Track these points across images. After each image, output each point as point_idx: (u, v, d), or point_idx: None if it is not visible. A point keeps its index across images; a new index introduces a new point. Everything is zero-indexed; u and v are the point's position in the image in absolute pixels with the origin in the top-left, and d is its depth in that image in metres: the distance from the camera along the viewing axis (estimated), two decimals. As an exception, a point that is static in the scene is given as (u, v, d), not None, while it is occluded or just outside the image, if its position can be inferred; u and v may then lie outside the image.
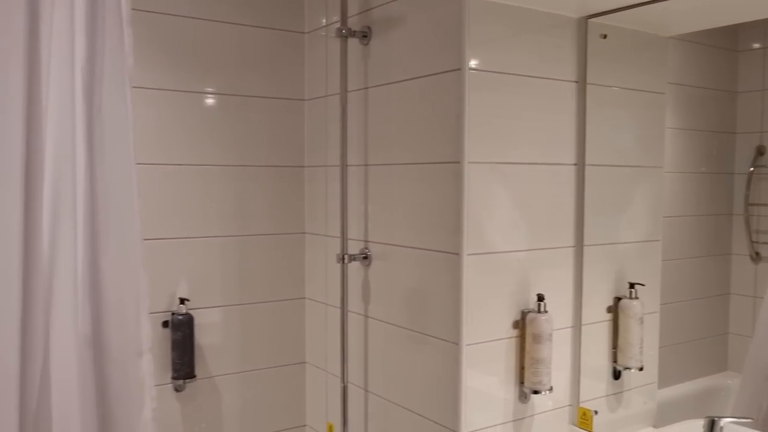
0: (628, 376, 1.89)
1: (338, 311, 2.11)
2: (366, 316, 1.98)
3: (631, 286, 1.88)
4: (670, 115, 1.93)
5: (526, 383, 1.71)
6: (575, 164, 1.82)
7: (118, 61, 1.42)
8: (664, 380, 1.91)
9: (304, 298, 2.31)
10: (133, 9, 1.56)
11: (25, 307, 1.33)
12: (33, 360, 1.35)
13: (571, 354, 1.84)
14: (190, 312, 2.05)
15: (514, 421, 1.73)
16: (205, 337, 2.12)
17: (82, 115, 1.37)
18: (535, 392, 1.69)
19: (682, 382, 1.93)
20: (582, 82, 1.81)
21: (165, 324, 2.04)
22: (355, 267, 2.02)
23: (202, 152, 2.09)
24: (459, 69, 1.60)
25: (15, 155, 1.32)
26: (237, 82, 2.14)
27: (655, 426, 1.90)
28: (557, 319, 1.78)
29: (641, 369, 1.86)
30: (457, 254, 1.63)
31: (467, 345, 1.63)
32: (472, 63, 1.60)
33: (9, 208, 1.31)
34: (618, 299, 1.88)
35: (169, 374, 2.05)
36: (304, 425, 2.34)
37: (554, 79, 1.76)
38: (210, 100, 2.10)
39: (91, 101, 1.39)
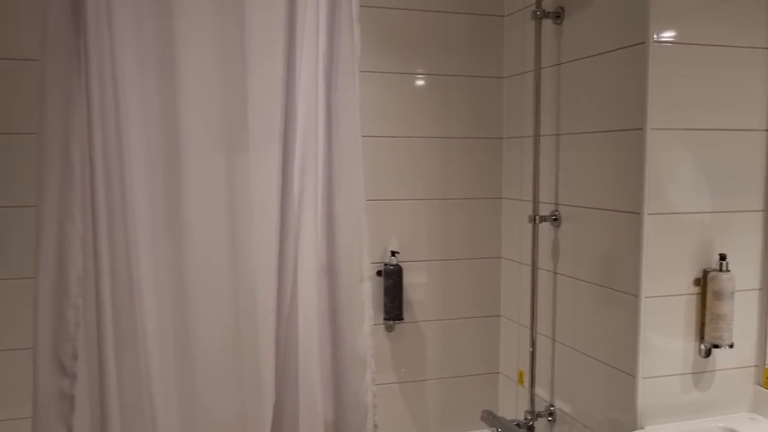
0: (825, 344, 1.88)
1: (530, 269, 2.32)
2: (555, 273, 2.17)
3: (829, 253, 1.85)
4: None
5: (705, 338, 1.80)
6: (766, 130, 1.84)
7: (349, 51, 1.77)
8: None
9: (500, 257, 2.54)
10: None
11: (281, 240, 1.74)
12: (286, 280, 1.75)
13: (758, 316, 1.88)
14: (400, 264, 2.39)
15: (693, 373, 1.83)
16: (411, 286, 2.45)
17: (323, 93, 1.76)
18: (715, 346, 1.78)
19: None
20: (776, 49, 1.82)
21: (379, 273, 2.38)
22: (545, 228, 2.21)
23: (411, 126, 2.39)
24: (644, 42, 1.73)
25: (276, 125, 1.71)
26: (442, 64, 2.41)
27: None
28: (742, 280, 1.83)
29: (838, 337, 1.84)
30: (638, 214, 1.76)
31: (646, 297, 1.77)
32: (658, 36, 1.72)
33: (271, 166, 1.71)
34: (814, 266, 1.87)
35: (382, 316, 2.40)
36: (497, 372, 2.58)
37: (743, 47, 1.79)
38: (419, 81, 2.40)
39: (330, 82, 1.76)
